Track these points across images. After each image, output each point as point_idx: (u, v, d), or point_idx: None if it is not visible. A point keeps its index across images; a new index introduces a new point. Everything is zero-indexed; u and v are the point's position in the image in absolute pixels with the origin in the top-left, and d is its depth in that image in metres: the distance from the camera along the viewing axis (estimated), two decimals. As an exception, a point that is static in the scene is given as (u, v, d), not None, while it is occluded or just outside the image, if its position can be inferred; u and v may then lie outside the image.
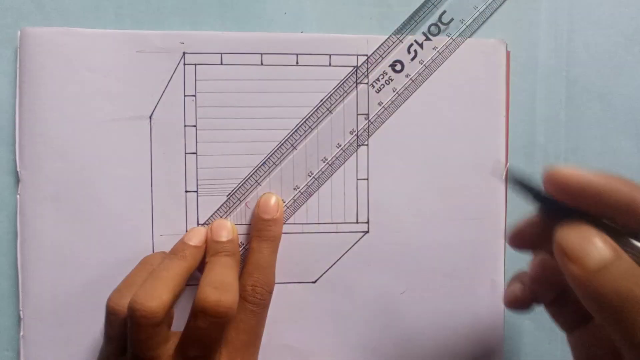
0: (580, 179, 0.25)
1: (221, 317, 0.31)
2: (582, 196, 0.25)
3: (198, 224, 0.38)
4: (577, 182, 0.25)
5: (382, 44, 0.38)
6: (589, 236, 0.24)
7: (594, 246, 0.23)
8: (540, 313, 0.40)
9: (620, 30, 0.40)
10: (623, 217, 0.25)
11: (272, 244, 0.36)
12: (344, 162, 0.38)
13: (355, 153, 0.39)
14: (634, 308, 0.22)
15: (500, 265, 0.39)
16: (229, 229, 0.36)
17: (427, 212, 0.39)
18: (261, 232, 0.37)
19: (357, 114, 0.39)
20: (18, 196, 0.37)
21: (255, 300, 0.35)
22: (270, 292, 0.36)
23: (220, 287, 0.32)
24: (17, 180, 0.37)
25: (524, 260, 0.40)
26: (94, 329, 0.37)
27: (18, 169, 0.37)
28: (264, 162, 0.38)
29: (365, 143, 0.38)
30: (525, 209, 0.40)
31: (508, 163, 0.37)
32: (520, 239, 0.30)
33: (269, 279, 0.36)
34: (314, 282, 0.39)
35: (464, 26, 0.39)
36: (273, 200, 0.37)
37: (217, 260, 0.35)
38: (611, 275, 0.23)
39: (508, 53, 0.39)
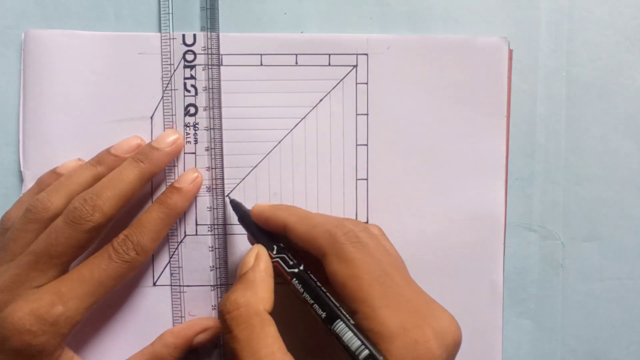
0: (259, 209, 0.34)
1: (76, 222, 0.32)
2: (264, 221, 0.34)
3: (197, 224, 0.38)
4: (259, 212, 0.34)
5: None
6: (248, 255, 0.33)
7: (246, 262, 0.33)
8: (540, 313, 0.40)
9: (620, 30, 0.40)
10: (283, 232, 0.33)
11: (165, 211, 0.35)
12: (343, 162, 0.39)
13: (354, 153, 0.39)
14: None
15: (500, 265, 0.39)
16: (168, 141, 0.37)
17: (426, 212, 0.39)
18: (163, 195, 0.36)
19: (357, 114, 0.39)
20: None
21: (119, 250, 0.33)
22: (139, 255, 0.34)
23: (92, 200, 0.33)
24: (21, 180, 0.38)
25: (524, 261, 0.40)
26: (94, 326, 0.37)
27: (22, 169, 0.37)
28: (263, 163, 0.38)
29: (365, 143, 0.39)
30: (525, 210, 0.40)
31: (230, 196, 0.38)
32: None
33: (144, 242, 0.34)
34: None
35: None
36: (193, 175, 0.37)
37: (123, 172, 0.35)
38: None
39: (510, 52, 0.39)
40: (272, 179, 0.38)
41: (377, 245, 0.31)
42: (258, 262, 0.32)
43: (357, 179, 0.39)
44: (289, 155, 0.38)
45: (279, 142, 0.38)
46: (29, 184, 0.37)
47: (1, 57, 0.38)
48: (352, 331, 0.28)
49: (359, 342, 0.28)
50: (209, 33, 0.38)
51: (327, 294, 0.31)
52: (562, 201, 0.40)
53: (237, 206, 0.36)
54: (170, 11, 0.38)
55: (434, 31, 0.39)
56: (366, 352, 0.27)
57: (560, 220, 0.40)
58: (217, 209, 0.38)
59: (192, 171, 0.37)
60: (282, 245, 0.33)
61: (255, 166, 0.38)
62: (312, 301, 0.31)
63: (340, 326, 0.29)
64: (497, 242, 0.39)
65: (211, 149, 0.38)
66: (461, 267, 0.39)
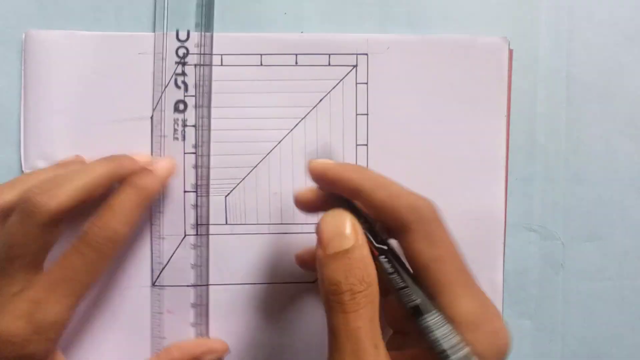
0: (320, 167, 0.30)
1: (29, 214, 0.29)
2: (327, 183, 0.29)
3: (197, 225, 0.38)
4: (321, 171, 0.30)
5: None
6: (339, 224, 0.27)
7: (338, 235, 0.27)
8: (540, 313, 0.40)
9: (620, 30, 0.40)
10: (357, 199, 0.29)
11: (136, 193, 0.32)
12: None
13: (354, 153, 0.39)
14: (334, 297, 0.26)
15: (500, 265, 0.39)
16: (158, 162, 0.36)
17: (426, 212, 0.39)
18: (133, 176, 0.33)
19: (357, 114, 0.39)
20: (21, 196, 0.37)
21: (87, 238, 0.30)
22: (108, 239, 0.31)
23: (48, 188, 0.29)
24: (21, 180, 0.38)
25: (524, 261, 0.40)
26: (93, 325, 0.37)
27: (23, 169, 0.37)
28: (262, 163, 0.38)
29: (365, 143, 0.39)
30: (525, 210, 0.40)
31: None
32: (303, 204, 0.32)
33: (112, 225, 0.31)
34: (313, 282, 0.39)
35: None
36: (167, 160, 0.36)
37: (89, 166, 0.32)
38: (336, 264, 0.26)
39: (511, 51, 0.39)
40: (272, 179, 0.38)
41: (449, 236, 0.29)
42: (357, 236, 0.27)
43: (357, 180, 0.39)
44: (289, 156, 0.38)
45: (279, 142, 0.38)
46: (30, 183, 0.37)
47: (1, 57, 0.38)
48: (449, 327, 0.26)
49: (455, 340, 0.26)
50: (202, 32, 0.38)
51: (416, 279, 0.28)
52: (562, 201, 0.40)
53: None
54: (166, 6, 0.38)
55: (434, 31, 0.39)
56: (465, 350, 0.26)
57: (560, 220, 0.40)
58: (201, 207, 0.38)
59: (167, 158, 0.37)
60: (366, 214, 0.29)
61: (255, 166, 0.38)
62: (403, 284, 0.27)
63: (434, 319, 0.26)
64: (497, 242, 0.39)
65: (198, 146, 0.38)
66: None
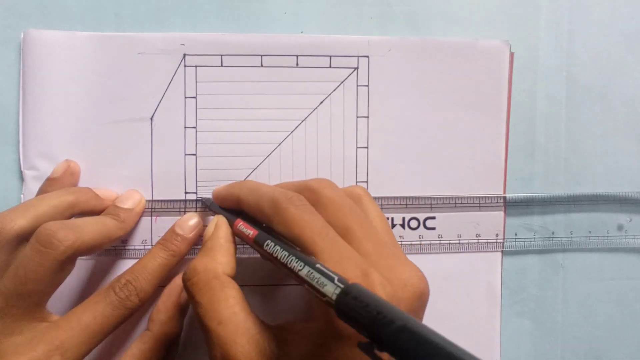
0: (216, 190, 0.36)
1: (48, 246, 0.29)
2: (222, 201, 0.35)
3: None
4: (215, 193, 0.36)
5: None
6: (210, 224, 0.34)
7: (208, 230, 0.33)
8: (540, 313, 0.40)
9: (620, 30, 0.40)
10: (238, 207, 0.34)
11: (169, 258, 0.35)
12: (344, 165, 0.39)
13: (354, 155, 0.39)
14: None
15: (497, 267, 0.40)
16: (135, 200, 0.37)
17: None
18: (166, 241, 0.35)
19: (357, 117, 0.39)
20: (22, 196, 0.37)
21: (120, 294, 0.32)
22: (139, 299, 0.33)
23: (69, 224, 0.31)
24: (21, 180, 0.38)
25: (524, 261, 0.40)
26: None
27: (22, 169, 0.37)
28: (263, 165, 0.38)
29: (365, 145, 0.39)
30: (524, 212, 0.40)
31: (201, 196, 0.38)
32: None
33: (145, 287, 0.33)
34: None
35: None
36: (193, 220, 0.37)
37: (99, 217, 0.34)
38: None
39: (512, 55, 0.39)
40: (272, 181, 0.38)
41: (335, 203, 0.31)
42: (217, 230, 0.33)
43: (357, 182, 0.39)
44: (289, 158, 0.38)
45: (279, 144, 0.38)
46: (29, 184, 0.37)
47: (1, 57, 0.38)
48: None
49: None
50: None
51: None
52: (562, 201, 0.40)
53: (207, 201, 0.37)
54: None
55: (434, 31, 0.39)
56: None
57: (561, 220, 0.40)
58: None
59: (192, 215, 0.37)
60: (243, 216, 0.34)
61: (256, 168, 0.38)
62: (285, 252, 0.29)
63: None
64: (497, 242, 0.39)
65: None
66: (458, 270, 0.39)
